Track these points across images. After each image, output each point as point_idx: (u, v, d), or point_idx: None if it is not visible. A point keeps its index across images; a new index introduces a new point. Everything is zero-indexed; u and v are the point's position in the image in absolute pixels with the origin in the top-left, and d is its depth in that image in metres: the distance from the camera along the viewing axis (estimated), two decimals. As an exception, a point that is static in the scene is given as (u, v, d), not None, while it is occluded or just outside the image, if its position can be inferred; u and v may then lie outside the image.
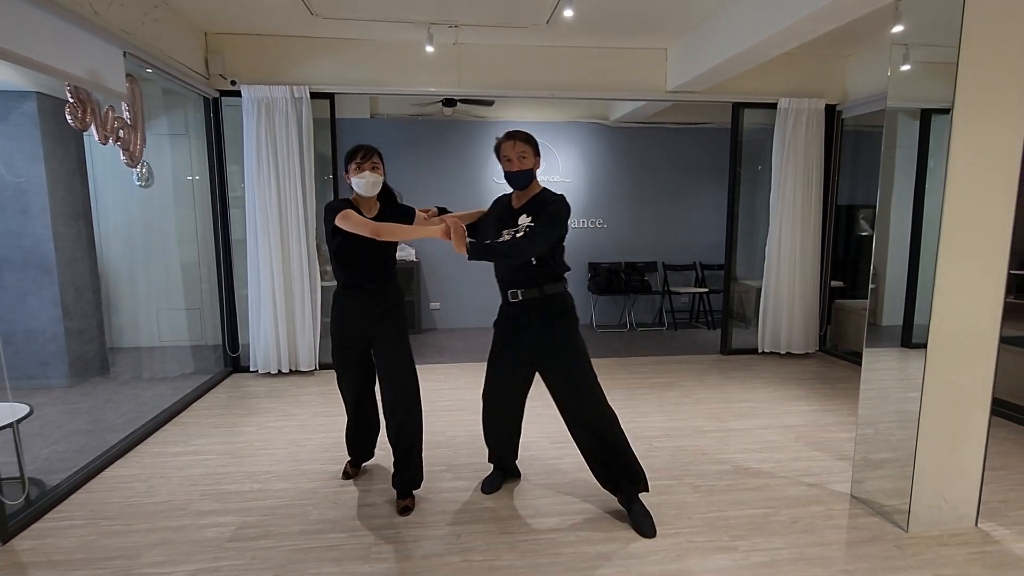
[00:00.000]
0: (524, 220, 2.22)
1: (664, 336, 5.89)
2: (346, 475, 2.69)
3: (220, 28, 4.04)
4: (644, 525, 2.22)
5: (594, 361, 2.31)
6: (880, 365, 2.44)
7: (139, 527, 2.27)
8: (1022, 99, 2.04)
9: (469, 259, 2.09)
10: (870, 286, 2.50)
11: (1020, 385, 3.50)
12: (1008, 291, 4.49)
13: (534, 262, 2.22)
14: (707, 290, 6.25)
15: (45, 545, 2.15)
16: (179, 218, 4.63)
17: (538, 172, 2.29)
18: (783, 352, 4.91)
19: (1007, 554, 2.09)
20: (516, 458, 2.67)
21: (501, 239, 2.22)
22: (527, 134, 2.27)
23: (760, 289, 4.95)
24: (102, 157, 4.40)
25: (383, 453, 2.79)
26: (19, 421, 2.40)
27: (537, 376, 2.40)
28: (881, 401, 2.40)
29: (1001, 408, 3.51)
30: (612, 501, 2.41)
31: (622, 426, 2.29)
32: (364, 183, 2.28)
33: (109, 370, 4.36)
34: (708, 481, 2.65)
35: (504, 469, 2.64)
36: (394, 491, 2.46)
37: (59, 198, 3.95)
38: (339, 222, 2.20)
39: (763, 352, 4.96)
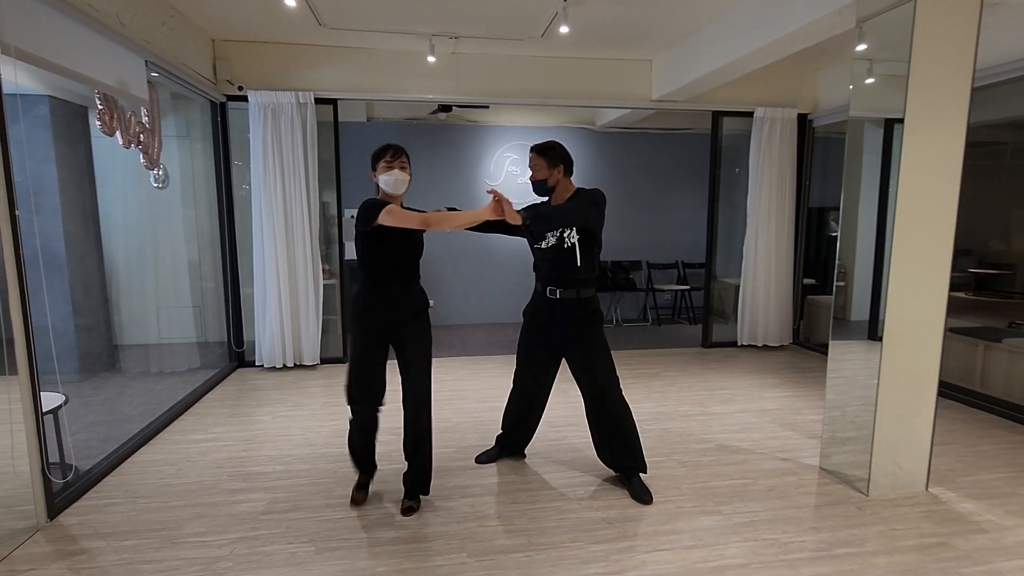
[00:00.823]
0: None
1: (648, 331, 6.20)
2: (355, 502, 2.45)
3: (228, 36, 4.21)
4: (643, 495, 2.49)
5: None
6: (847, 355, 2.74)
7: (176, 504, 2.46)
8: (964, 111, 2.35)
9: (525, 226, 2.27)
10: (835, 283, 2.81)
11: (969, 371, 3.86)
12: (970, 288, 4.87)
13: (579, 263, 2.46)
14: (689, 287, 6.57)
15: (91, 520, 2.33)
16: (184, 218, 4.77)
17: (561, 175, 2.51)
18: (760, 345, 5.25)
19: (951, 512, 2.41)
20: (528, 443, 2.92)
21: (545, 241, 2.48)
22: (542, 147, 2.51)
23: (738, 286, 5.28)
24: (108, 159, 4.51)
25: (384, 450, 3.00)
26: (58, 408, 2.57)
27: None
28: (848, 387, 2.70)
29: (953, 391, 3.88)
30: (608, 474, 2.68)
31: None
32: (393, 180, 2.27)
33: (116, 366, 4.48)
34: (694, 457, 2.94)
35: (506, 447, 2.89)
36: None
37: (69, 198, 4.07)
38: (385, 218, 2.14)
39: (741, 345, 5.29)
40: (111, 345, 4.48)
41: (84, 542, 2.18)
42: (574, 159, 2.64)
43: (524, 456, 2.94)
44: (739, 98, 5.03)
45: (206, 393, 3.95)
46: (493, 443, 2.94)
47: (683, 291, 6.66)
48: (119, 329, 4.81)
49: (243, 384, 4.19)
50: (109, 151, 4.39)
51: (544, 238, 2.52)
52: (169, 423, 3.38)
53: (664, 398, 3.88)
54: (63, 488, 2.52)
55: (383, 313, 2.34)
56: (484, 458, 2.87)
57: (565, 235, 2.47)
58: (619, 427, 2.54)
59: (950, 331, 4.04)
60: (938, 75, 2.32)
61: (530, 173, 2.54)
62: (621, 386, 2.57)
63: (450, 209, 2.59)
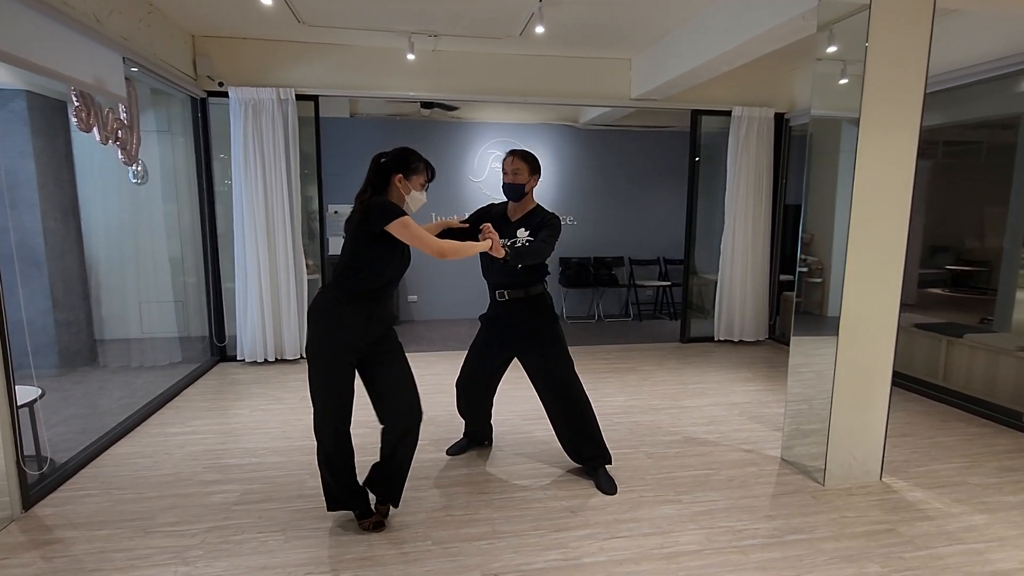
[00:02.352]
0: (523, 233, 2.54)
1: (629, 326, 6.29)
2: (379, 525, 2.25)
3: (207, 32, 4.22)
4: (607, 485, 2.58)
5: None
6: (819, 350, 2.77)
7: (150, 495, 2.51)
8: (917, 112, 2.44)
9: (504, 260, 2.34)
10: (795, 275, 2.90)
11: (933, 365, 3.98)
12: (947, 285, 4.97)
13: (520, 267, 2.51)
14: (670, 283, 6.67)
15: (65, 511, 2.37)
16: (165, 213, 4.78)
17: (534, 185, 2.59)
18: (736, 340, 5.35)
19: (902, 500, 2.51)
20: (490, 429, 3.01)
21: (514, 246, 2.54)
22: (525, 152, 2.58)
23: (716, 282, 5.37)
24: (88, 154, 4.51)
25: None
26: (33, 402, 2.61)
27: (514, 362, 2.73)
28: (815, 380, 2.76)
29: (917, 385, 3.99)
30: (575, 466, 2.76)
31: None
32: (421, 203, 2.22)
33: (97, 360, 4.50)
34: (660, 449, 3.02)
35: (473, 438, 2.99)
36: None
37: (48, 193, 4.08)
38: (400, 231, 2.00)
39: (718, 340, 5.39)
40: (92, 340, 4.50)
41: (58, 532, 2.23)
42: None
43: (487, 443, 3.04)
44: (717, 97, 5.11)
45: (186, 387, 3.99)
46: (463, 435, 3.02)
47: (664, 287, 6.76)
48: (100, 324, 4.83)
49: (224, 378, 4.23)
50: (89, 146, 4.39)
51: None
52: (148, 416, 3.43)
53: (637, 392, 3.97)
54: (39, 480, 2.56)
55: (371, 323, 2.13)
56: (455, 450, 2.95)
57: (516, 245, 2.54)
58: (580, 420, 2.62)
59: (916, 326, 4.17)
60: (892, 78, 2.40)
61: (508, 176, 2.58)
62: (580, 379, 2.64)
63: (462, 221, 2.64)
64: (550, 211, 2.63)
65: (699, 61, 3.89)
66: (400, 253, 2.15)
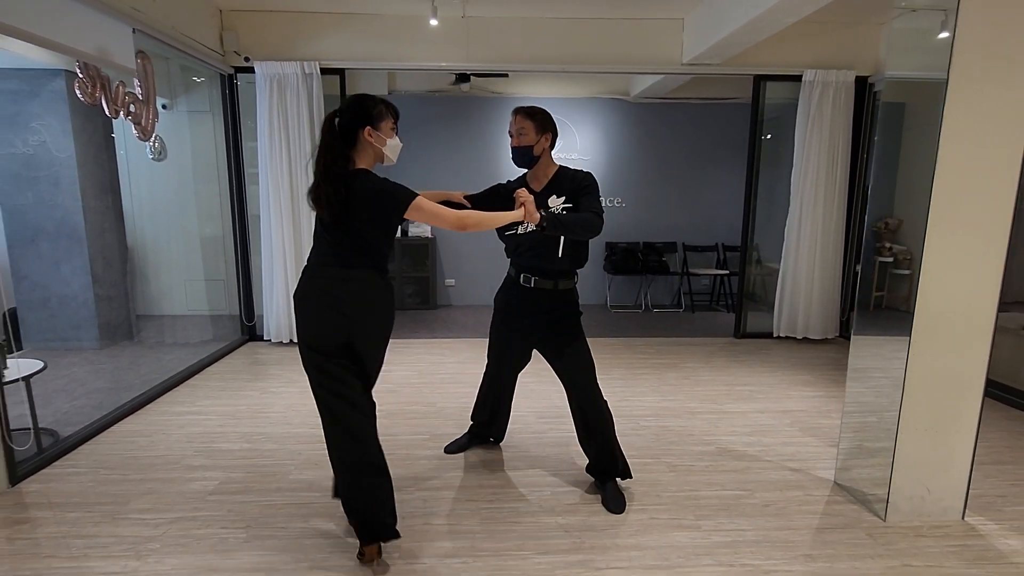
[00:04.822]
0: (557, 201, 2.18)
1: (680, 318, 5.77)
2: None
3: (235, 6, 4.14)
4: (613, 503, 2.22)
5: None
6: (899, 353, 2.28)
7: (133, 478, 2.43)
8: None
9: (543, 230, 2.04)
10: (860, 261, 2.38)
11: (1047, 378, 3.27)
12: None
13: (560, 254, 2.19)
14: (728, 272, 6.06)
15: (48, 489, 2.34)
16: (201, 193, 4.82)
17: (554, 150, 2.25)
18: (799, 337, 4.73)
19: (988, 549, 1.99)
20: (502, 432, 2.72)
21: (524, 226, 2.16)
22: (531, 109, 2.22)
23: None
24: (127, 132, 4.60)
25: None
26: (31, 375, 2.60)
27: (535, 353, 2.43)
28: (890, 389, 2.25)
29: (1023, 400, 3.30)
30: (583, 475, 2.42)
31: (612, 412, 2.29)
32: (399, 148, 1.94)
33: (135, 335, 4.63)
34: (687, 461, 2.62)
35: (475, 436, 2.70)
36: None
37: (88, 172, 4.18)
38: (413, 214, 1.80)
39: (778, 336, 4.79)
40: (131, 315, 4.62)
41: (32, 511, 2.18)
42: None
43: (498, 444, 2.74)
44: (785, 59, 4.47)
45: (210, 365, 3.99)
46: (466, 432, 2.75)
47: (722, 276, 6.15)
48: (142, 300, 4.98)
49: (248, 358, 4.21)
50: (128, 125, 4.47)
51: (521, 222, 2.17)
52: (163, 393, 3.42)
53: (674, 392, 3.53)
54: (36, 453, 2.56)
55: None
56: (454, 447, 2.68)
57: (549, 208, 2.18)
58: (594, 427, 2.27)
59: (1025, 329, 3.44)
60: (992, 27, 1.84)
61: (513, 139, 2.24)
62: (599, 383, 2.28)
63: (466, 197, 2.32)
64: (579, 170, 2.26)
65: (762, 8, 3.32)
66: (394, 230, 1.91)
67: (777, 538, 2.04)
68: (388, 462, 1.88)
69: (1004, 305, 3.65)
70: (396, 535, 1.85)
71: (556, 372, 2.33)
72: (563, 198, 2.19)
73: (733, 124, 5.99)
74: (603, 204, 2.23)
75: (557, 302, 2.28)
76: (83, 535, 2.02)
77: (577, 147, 6.03)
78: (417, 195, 1.81)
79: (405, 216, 1.80)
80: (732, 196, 6.12)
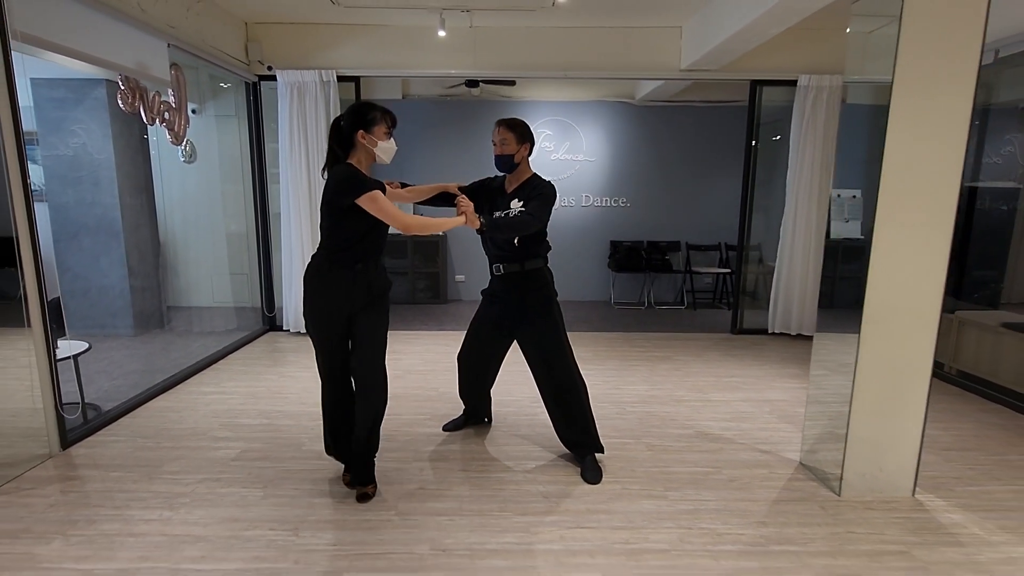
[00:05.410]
0: (516, 204, 2.46)
1: (682, 315, 5.95)
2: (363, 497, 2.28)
3: (258, 18, 4.46)
4: (590, 474, 2.46)
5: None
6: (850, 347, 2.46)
7: (166, 445, 2.74)
8: (970, 73, 2.05)
9: (481, 233, 2.34)
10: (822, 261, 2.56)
11: (1022, 372, 3.40)
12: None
13: (516, 241, 2.45)
14: (730, 271, 6.21)
15: (94, 453, 2.66)
16: (227, 192, 5.17)
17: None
18: (793, 333, 4.89)
19: (930, 521, 2.17)
20: (487, 410, 2.97)
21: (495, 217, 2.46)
22: (512, 122, 2.49)
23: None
24: (161, 136, 4.96)
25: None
26: (79, 355, 2.93)
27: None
28: (847, 378, 2.41)
29: (1005, 396, 3.43)
30: (566, 452, 2.65)
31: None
32: (392, 150, 2.18)
33: (166, 324, 4.99)
34: (665, 442, 2.83)
35: (471, 416, 2.96)
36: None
37: (125, 173, 4.54)
38: (365, 203, 2.01)
39: (773, 333, 4.95)
40: (163, 306, 4.98)
41: (81, 471, 2.50)
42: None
43: (490, 422, 3.00)
44: (781, 65, 4.63)
45: (233, 352, 4.32)
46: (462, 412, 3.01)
47: (724, 274, 6.31)
48: (173, 292, 5.35)
49: (267, 346, 4.53)
50: (162, 129, 4.83)
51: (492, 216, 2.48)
52: (191, 376, 3.75)
53: (664, 382, 3.74)
54: (82, 423, 2.89)
55: (349, 289, 2.16)
56: (451, 426, 2.95)
57: (510, 215, 2.43)
58: (569, 404, 2.51)
59: (1004, 326, 3.57)
60: (940, 30, 2.03)
61: (496, 147, 2.52)
62: (575, 362, 2.53)
63: (401, 184, 2.60)
64: (546, 180, 2.53)
65: (751, 17, 3.49)
66: (376, 223, 2.14)
67: (736, 508, 2.25)
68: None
69: (1012, 307, 3.79)
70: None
71: (529, 353, 2.55)
72: (522, 202, 2.43)
73: (736, 126, 6.11)
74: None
75: (527, 282, 2.52)
76: (124, 490, 2.33)
77: (583, 149, 6.25)
78: (380, 189, 2.05)
79: (359, 202, 2.03)
80: (735, 196, 6.22)
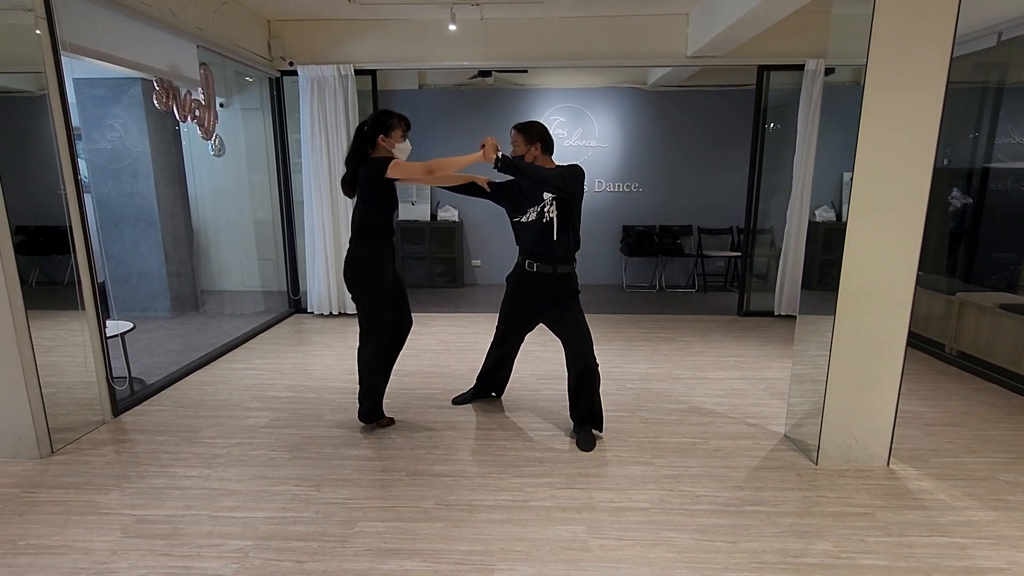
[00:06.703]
0: (548, 196, 2.62)
1: (692, 298, 6.07)
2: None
3: (280, 16, 4.69)
4: (583, 442, 2.67)
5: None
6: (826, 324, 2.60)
7: (203, 415, 3.05)
8: (941, 67, 2.15)
9: (496, 168, 2.45)
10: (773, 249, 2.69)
11: (1016, 353, 3.47)
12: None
13: (555, 237, 2.60)
14: (740, 254, 6.28)
15: (141, 420, 2.98)
16: (254, 182, 5.47)
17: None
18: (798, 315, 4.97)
19: (899, 488, 2.33)
20: (503, 388, 3.21)
21: (527, 215, 2.66)
22: (522, 125, 2.65)
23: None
24: (193, 131, 5.27)
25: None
26: (126, 333, 3.25)
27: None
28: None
29: (999, 375, 3.51)
30: (566, 425, 2.87)
31: (601, 375, 2.71)
32: (408, 150, 2.63)
33: (200, 307, 5.35)
34: (658, 415, 3.03)
35: (480, 390, 3.19)
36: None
37: (160, 165, 4.86)
38: (394, 172, 2.45)
39: (779, 315, 5.06)
40: (197, 290, 5.33)
41: (131, 435, 2.82)
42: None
43: (499, 398, 3.23)
44: (788, 49, 4.67)
45: (262, 332, 4.64)
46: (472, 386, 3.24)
47: (735, 258, 6.39)
48: (203, 277, 5.69)
49: (293, 327, 4.84)
50: (194, 125, 5.13)
51: (525, 212, 2.67)
52: (224, 354, 4.07)
53: (664, 361, 3.92)
54: (130, 394, 3.22)
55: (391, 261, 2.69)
56: (460, 400, 3.18)
57: (545, 209, 2.62)
58: (585, 384, 2.69)
59: (1002, 307, 3.64)
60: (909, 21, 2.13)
61: (511, 150, 2.68)
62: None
63: (488, 184, 2.81)
64: (571, 164, 2.65)
65: (750, 5, 3.56)
66: (392, 198, 2.61)
67: (717, 473, 2.44)
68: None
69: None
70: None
71: (560, 339, 2.76)
72: (552, 196, 2.60)
73: (747, 111, 6.14)
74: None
75: (556, 284, 2.70)
76: (169, 451, 2.63)
77: (596, 134, 6.36)
78: (394, 159, 2.50)
79: (390, 175, 2.45)
80: (746, 181, 6.32)
